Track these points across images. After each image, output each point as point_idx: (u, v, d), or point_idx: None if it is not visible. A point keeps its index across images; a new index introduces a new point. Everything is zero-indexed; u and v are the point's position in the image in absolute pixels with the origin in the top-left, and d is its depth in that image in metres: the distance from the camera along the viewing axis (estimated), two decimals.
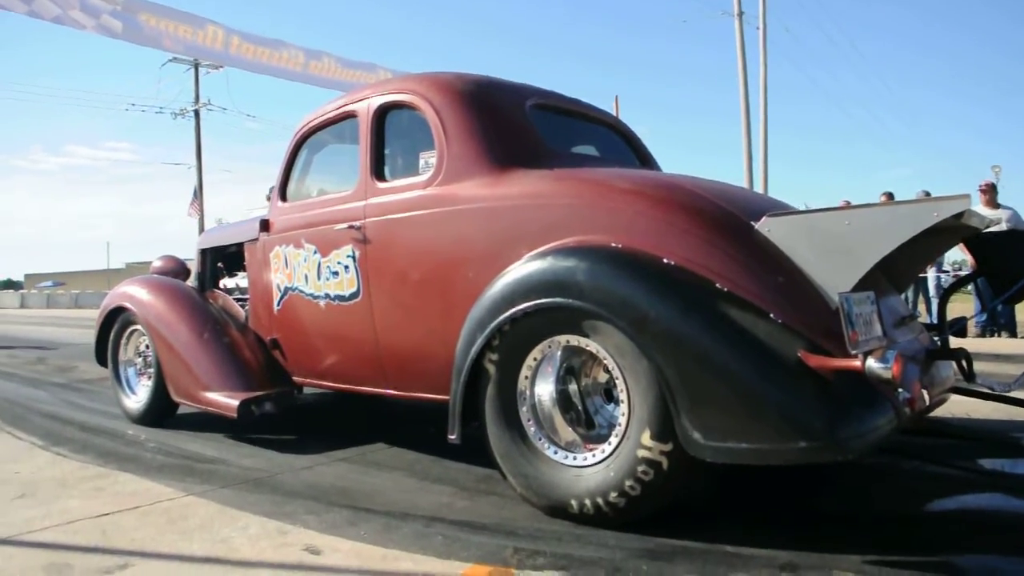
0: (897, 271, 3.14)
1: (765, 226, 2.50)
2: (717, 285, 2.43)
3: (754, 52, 20.34)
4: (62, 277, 63.63)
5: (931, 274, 10.87)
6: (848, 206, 2.50)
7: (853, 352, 2.23)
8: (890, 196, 11.04)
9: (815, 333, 2.33)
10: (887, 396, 2.31)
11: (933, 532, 2.65)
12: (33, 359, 9.09)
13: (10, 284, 63.16)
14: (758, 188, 19.07)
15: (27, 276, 73.01)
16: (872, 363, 2.21)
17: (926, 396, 2.57)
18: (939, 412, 3.35)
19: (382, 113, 3.59)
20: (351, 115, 3.75)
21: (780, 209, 2.76)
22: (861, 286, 2.40)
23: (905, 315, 3.11)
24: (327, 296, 3.72)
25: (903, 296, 3.68)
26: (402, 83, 3.61)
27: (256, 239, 4.28)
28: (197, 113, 31.81)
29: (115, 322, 4.92)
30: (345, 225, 3.56)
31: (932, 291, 10.83)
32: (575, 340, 2.71)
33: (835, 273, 2.38)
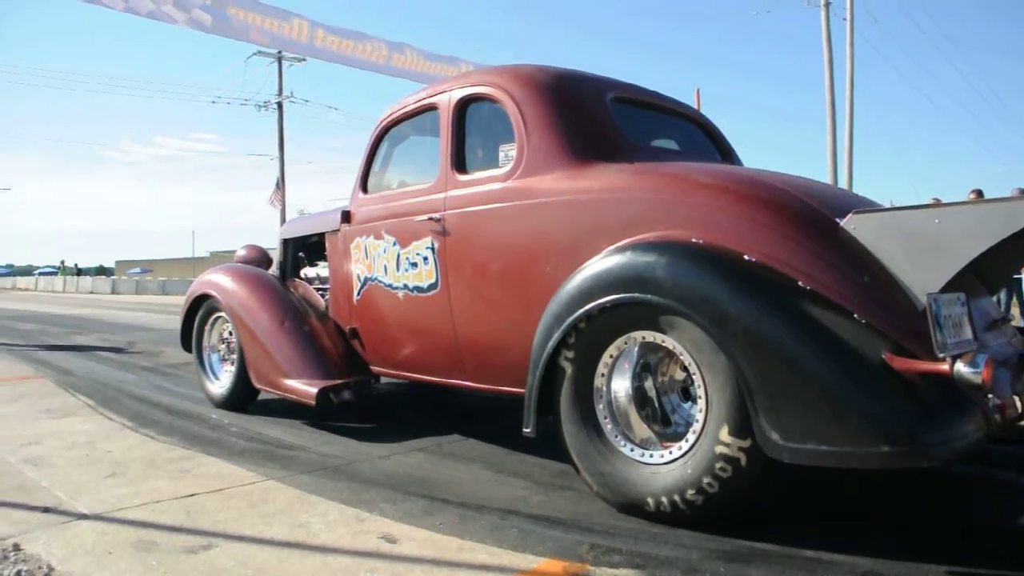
0: (989, 272, 3.00)
1: (851, 223, 2.43)
2: (800, 283, 2.37)
3: (841, 46, 19.78)
4: (150, 264, 65.99)
5: None
6: (938, 203, 2.40)
7: (941, 355, 2.15)
8: (979, 193, 10.62)
9: (901, 335, 2.25)
10: (976, 402, 2.22)
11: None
12: (124, 343, 9.43)
13: (102, 270, 65.72)
14: (842, 186, 18.58)
15: (118, 263, 75.95)
16: (961, 367, 2.12)
17: (1018, 403, 2.45)
18: None
19: (463, 106, 3.60)
20: (432, 107, 3.77)
21: (866, 206, 2.68)
22: (951, 287, 2.31)
23: (997, 318, 2.98)
24: (406, 287, 3.75)
25: (995, 298, 3.53)
26: (483, 76, 3.61)
27: (337, 230, 4.35)
28: (280, 105, 32.56)
29: (200, 308, 5.06)
30: (425, 217, 3.59)
31: None
32: (651, 336, 2.68)
33: (923, 273, 2.30)
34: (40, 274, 58.21)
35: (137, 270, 60.03)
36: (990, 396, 2.26)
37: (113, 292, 38.39)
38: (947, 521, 2.74)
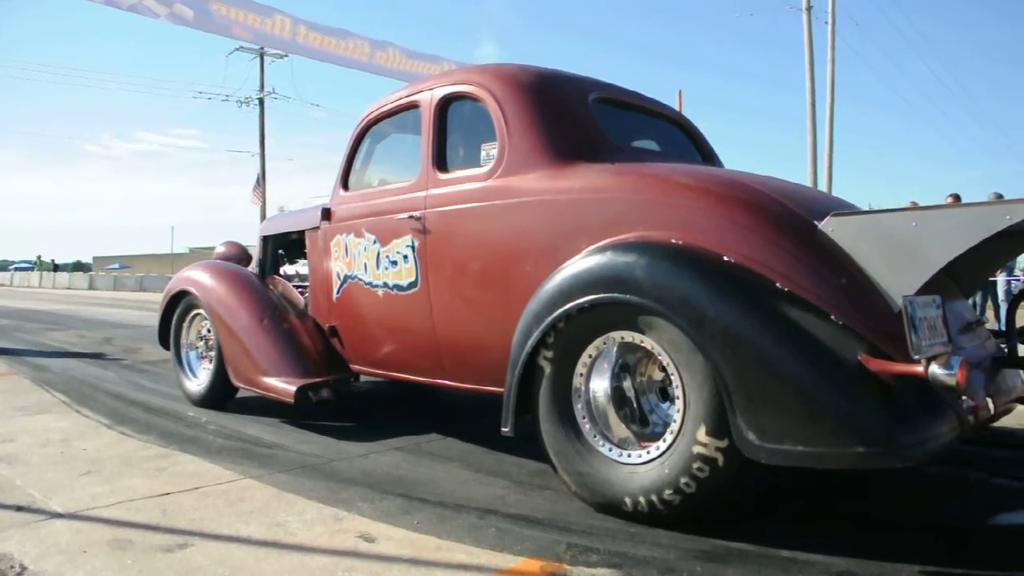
0: (965, 275, 3.04)
1: (829, 226, 2.45)
2: (778, 285, 2.39)
3: (822, 49, 19.92)
4: (128, 260, 65.33)
5: (1001, 279, 10.54)
6: (915, 207, 2.43)
7: (916, 357, 2.17)
8: (956, 198, 10.73)
9: (877, 337, 2.27)
10: (950, 404, 2.25)
11: (997, 546, 2.56)
12: (100, 339, 9.35)
13: (80, 266, 64.99)
14: (822, 188, 18.70)
15: (95, 259, 75.14)
16: (936, 369, 2.15)
17: (991, 405, 2.49)
18: (1005, 422, 3.24)
19: (445, 104, 3.60)
20: (414, 105, 3.77)
21: (845, 209, 2.70)
22: (926, 289, 2.34)
23: (972, 321, 3.02)
24: (385, 285, 3.74)
25: (971, 301, 3.57)
26: (465, 74, 3.61)
27: (317, 227, 4.33)
28: (262, 102, 32.41)
29: (178, 306, 5.02)
30: (405, 215, 3.58)
31: (1002, 296, 10.49)
32: (630, 336, 2.68)
33: (900, 275, 2.32)
34: (16, 269, 57.58)
35: (115, 266, 59.45)
36: (964, 398, 2.29)
37: (90, 288, 38.04)
38: (921, 521, 2.77)
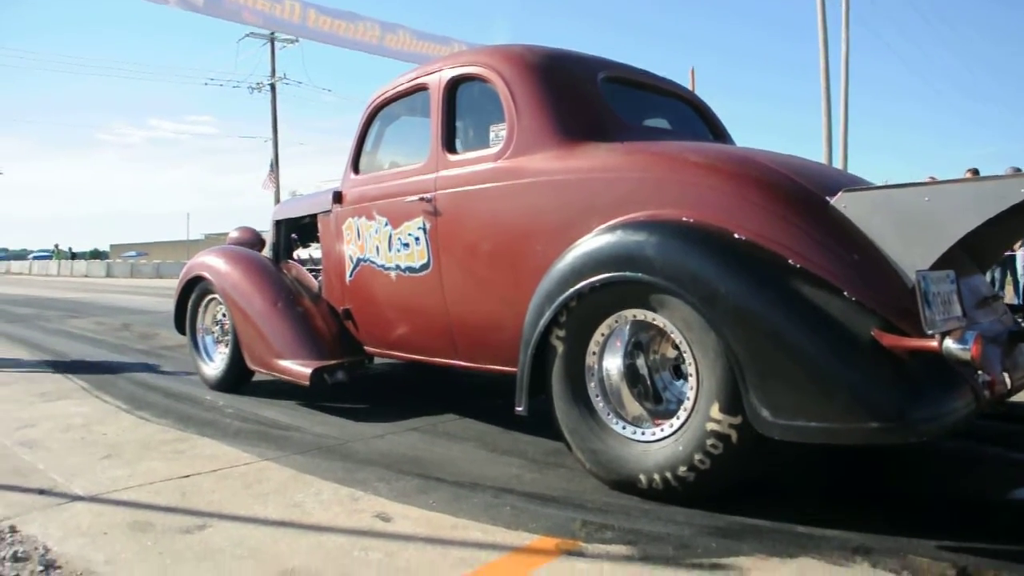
0: (982, 249, 3.01)
1: (841, 201, 2.43)
2: (790, 261, 2.38)
3: (836, 28, 19.65)
4: (145, 247, 65.76)
5: (1020, 253, 10.43)
6: (933, 182, 2.41)
7: (930, 332, 2.16)
8: (975, 172, 10.62)
9: (891, 312, 2.26)
10: (965, 378, 2.24)
11: (1014, 521, 2.56)
12: (118, 326, 9.44)
13: (97, 254, 65.46)
14: (836, 165, 18.51)
15: (112, 247, 75.70)
16: (950, 344, 2.14)
17: (1007, 380, 2.48)
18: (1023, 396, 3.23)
19: (453, 86, 3.59)
20: (423, 87, 3.76)
21: (857, 184, 2.68)
22: (941, 264, 2.33)
23: (988, 295, 3.00)
24: (398, 268, 3.76)
25: (988, 275, 3.55)
26: (473, 56, 3.60)
27: (329, 211, 4.34)
28: (273, 87, 32.37)
29: (193, 291, 5.06)
30: (416, 197, 3.59)
31: (1020, 271, 10.39)
32: (642, 315, 2.69)
33: (913, 251, 2.31)
34: (35, 258, 58.05)
35: (132, 253, 59.84)
36: (979, 372, 2.28)
37: (108, 275, 38.31)
38: (937, 496, 2.77)
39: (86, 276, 39.56)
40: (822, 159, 18.54)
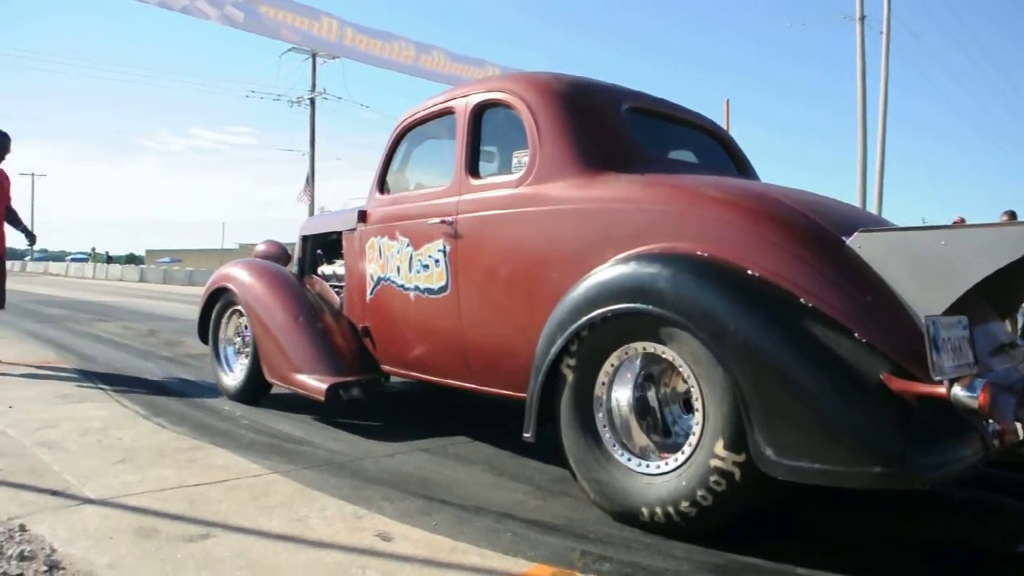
0: (1004, 295, 2.99)
1: (856, 242, 2.42)
2: (801, 300, 2.37)
3: (875, 60, 19.57)
4: (179, 254, 66.56)
5: None
6: (962, 223, 2.39)
7: (938, 378, 2.14)
8: (1012, 215, 10.47)
9: (902, 356, 2.24)
10: (974, 426, 2.21)
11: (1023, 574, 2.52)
12: (145, 331, 9.57)
13: (132, 259, 66.42)
14: (871, 204, 18.35)
15: (148, 252, 76.70)
16: (958, 391, 2.12)
17: (1020, 429, 2.43)
18: None
19: (479, 111, 3.64)
20: (450, 111, 3.81)
21: (875, 225, 2.67)
22: (956, 309, 2.30)
23: (1006, 342, 2.95)
24: (417, 288, 3.79)
25: (1009, 322, 3.50)
26: (500, 82, 3.65)
27: (354, 228, 4.39)
28: (312, 102, 32.85)
29: (218, 301, 5.14)
30: (438, 220, 3.62)
31: None
32: (652, 347, 2.69)
33: (927, 294, 2.29)
34: (72, 260, 59.02)
35: (167, 259, 60.61)
36: (990, 421, 2.25)
37: (141, 280, 38.81)
38: (945, 545, 2.73)
39: (120, 280, 40.13)
40: (856, 196, 18.40)
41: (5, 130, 6.00)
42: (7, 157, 6.05)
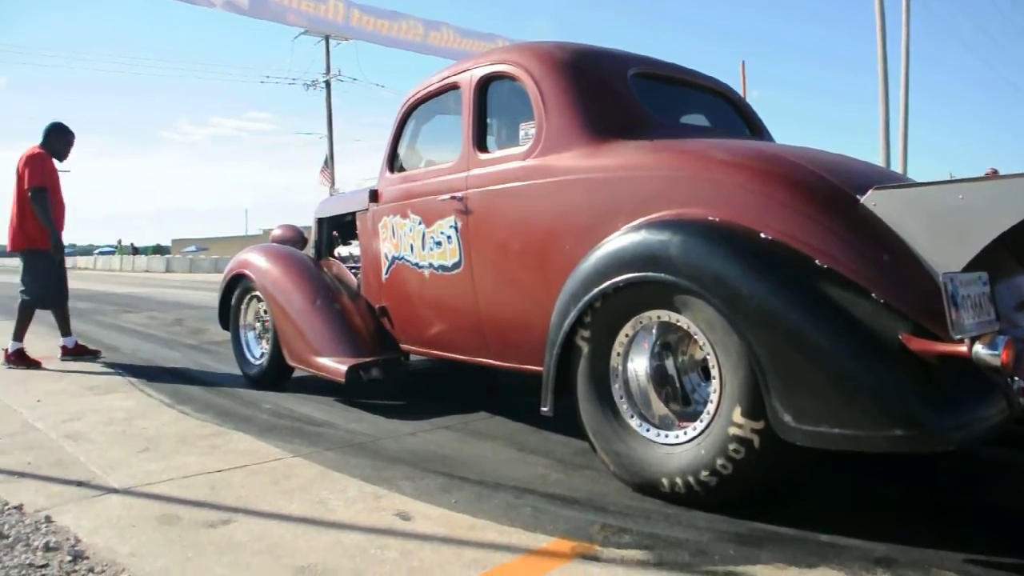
0: None
1: (871, 199, 2.35)
2: (816, 262, 2.32)
3: (895, 19, 19.12)
4: (205, 242, 67.09)
5: None
6: (993, 175, 2.31)
7: (958, 337, 2.09)
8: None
9: (922, 315, 2.18)
10: (998, 385, 2.16)
11: None
12: (171, 320, 9.66)
13: (159, 249, 67.11)
14: (896, 164, 18.01)
15: (174, 241, 77.42)
16: (979, 349, 2.07)
17: None
18: None
19: (484, 84, 3.59)
20: (454, 86, 3.77)
21: (889, 181, 2.60)
22: (978, 265, 2.24)
23: None
24: (431, 266, 3.78)
25: None
26: (504, 54, 3.60)
27: (367, 209, 4.38)
28: (328, 84, 32.75)
29: (236, 288, 5.16)
30: (447, 196, 3.60)
31: None
32: (666, 316, 2.65)
33: (945, 251, 2.22)
34: (99, 254, 59.75)
35: (192, 248, 61.13)
36: (1015, 378, 2.20)
37: (167, 271, 39.22)
38: (970, 505, 2.68)
39: (147, 271, 40.60)
40: (879, 156, 18.09)
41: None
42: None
